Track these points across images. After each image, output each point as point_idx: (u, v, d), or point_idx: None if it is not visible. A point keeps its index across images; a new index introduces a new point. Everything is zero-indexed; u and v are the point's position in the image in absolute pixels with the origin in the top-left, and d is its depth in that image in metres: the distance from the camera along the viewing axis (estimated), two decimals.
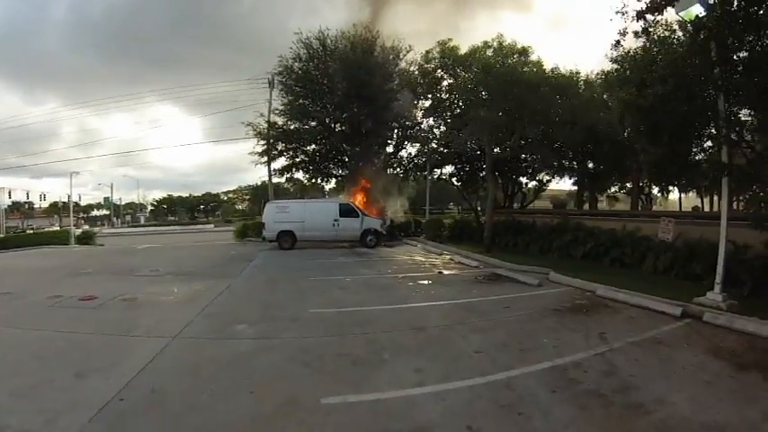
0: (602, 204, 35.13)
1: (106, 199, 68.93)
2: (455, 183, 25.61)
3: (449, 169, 24.90)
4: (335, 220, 19.54)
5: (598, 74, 18.19)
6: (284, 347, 5.66)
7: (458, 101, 19.97)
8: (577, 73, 19.04)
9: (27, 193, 54.69)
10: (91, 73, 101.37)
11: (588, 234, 14.18)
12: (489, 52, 18.07)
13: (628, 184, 27.32)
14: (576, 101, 17.61)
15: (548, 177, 25.00)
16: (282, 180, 28.36)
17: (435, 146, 23.09)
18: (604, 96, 18.05)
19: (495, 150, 18.90)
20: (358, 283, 10.46)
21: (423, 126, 23.56)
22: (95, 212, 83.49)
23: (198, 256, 18.09)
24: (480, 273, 12.04)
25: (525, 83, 16.16)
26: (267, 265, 14.62)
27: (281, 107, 24.79)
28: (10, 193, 45.28)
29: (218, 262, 15.58)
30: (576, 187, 27.39)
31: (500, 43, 18.25)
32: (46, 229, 36.03)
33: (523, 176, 24.42)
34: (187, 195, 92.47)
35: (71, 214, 34.89)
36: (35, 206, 67.03)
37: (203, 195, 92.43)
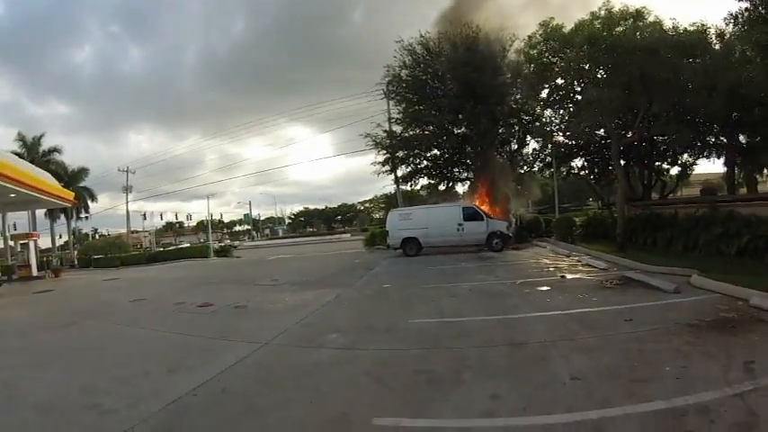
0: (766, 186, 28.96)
1: (246, 215, 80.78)
2: (586, 176, 24.19)
3: (579, 162, 23.83)
4: (460, 225, 20.01)
5: (725, 18, 15.35)
6: (364, 360, 5.78)
7: (572, 85, 18.60)
8: (704, 25, 16.18)
9: (176, 215, 72.34)
10: (224, 106, 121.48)
11: (743, 224, 12.35)
12: (597, 24, 16.32)
13: None
14: (710, 60, 15.37)
15: (690, 160, 22.02)
16: (408, 188, 29.64)
17: (560, 138, 22.06)
18: (744, 49, 15.16)
19: (627, 134, 17.46)
20: (472, 291, 10.34)
21: (544, 119, 22.61)
22: (237, 228, 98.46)
23: (322, 265, 19.87)
24: (608, 276, 11.08)
25: (641, 49, 14.61)
26: (386, 273, 15.38)
27: (397, 115, 26.56)
28: (161, 215, 59.83)
29: (338, 270, 16.94)
30: (725, 168, 23.09)
31: (608, 11, 16.32)
32: (194, 245, 44.10)
33: (663, 162, 22.15)
34: (323, 207, 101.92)
35: (209, 231, 43.36)
36: (185, 225, 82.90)
37: (339, 206, 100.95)
